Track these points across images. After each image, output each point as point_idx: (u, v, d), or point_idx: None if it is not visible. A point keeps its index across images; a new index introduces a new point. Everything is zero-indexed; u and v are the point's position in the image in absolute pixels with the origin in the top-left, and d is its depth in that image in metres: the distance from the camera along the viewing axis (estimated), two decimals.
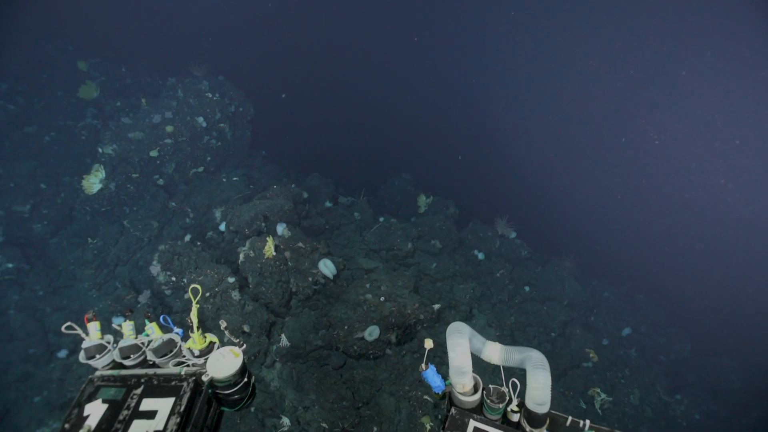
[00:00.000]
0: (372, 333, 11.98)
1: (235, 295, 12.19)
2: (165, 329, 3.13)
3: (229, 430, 10.53)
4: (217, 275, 12.43)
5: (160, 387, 2.62)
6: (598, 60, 42.55)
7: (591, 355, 15.80)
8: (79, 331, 2.91)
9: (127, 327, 3.02)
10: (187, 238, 15.18)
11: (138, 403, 2.50)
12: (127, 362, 2.89)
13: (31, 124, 18.09)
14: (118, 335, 3.09)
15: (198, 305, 3.09)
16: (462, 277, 16.83)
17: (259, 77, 31.83)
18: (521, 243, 19.67)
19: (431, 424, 11.18)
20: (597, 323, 17.98)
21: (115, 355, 2.91)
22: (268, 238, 12.93)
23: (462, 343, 2.86)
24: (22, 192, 16.02)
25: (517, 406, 2.83)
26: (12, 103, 18.16)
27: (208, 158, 19.16)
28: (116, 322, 11.22)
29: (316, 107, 36.55)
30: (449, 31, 50.05)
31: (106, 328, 3.09)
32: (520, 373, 2.89)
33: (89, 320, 2.93)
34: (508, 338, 15.49)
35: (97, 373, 2.77)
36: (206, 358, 2.87)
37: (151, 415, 2.43)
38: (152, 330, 3.03)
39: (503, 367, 3.02)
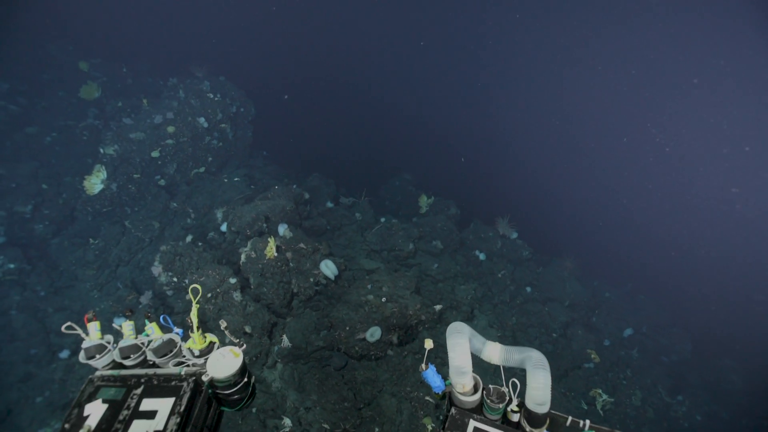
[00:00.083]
0: (373, 334, 11.97)
1: (237, 295, 12.19)
2: (165, 329, 3.13)
3: (231, 430, 10.52)
4: (218, 276, 12.42)
5: (160, 387, 2.62)
6: (605, 63, 42.54)
7: (592, 355, 15.79)
8: (79, 331, 2.91)
9: (127, 327, 3.02)
10: (189, 238, 15.19)
11: (138, 403, 2.50)
12: (127, 362, 2.89)
13: (33, 125, 18.09)
14: (118, 335, 3.09)
15: (198, 305, 3.09)
16: (463, 278, 16.83)
17: (261, 77, 31.87)
18: (523, 243, 19.65)
19: (433, 425, 11.17)
20: (598, 324, 17.97)
21: (115, 355, 2.90)
22: (269, 239, 12.92)
23: (462, 343, 2.86)
24: (23, 192, 16.02)
25: (517, 406, 2.83)
26: (13, 103, 18.16)
27: (210, 159, 19.17)
28: (117, 322, 11.27)
29: (317, 107, 36.58)
30: (450, 31, 50.08)
31: (106, 328, 3.09)
32: (520, 374, 2.88)
33: (89, 320, 2.93)
34: (509, 339, 15.48)
35: (97, 373, 2.76)
36: (206, 358, 2.87)
37: (151, 415, 2.43)
38: (152, 330, 3.03)
39: (503, 367, 3.01)
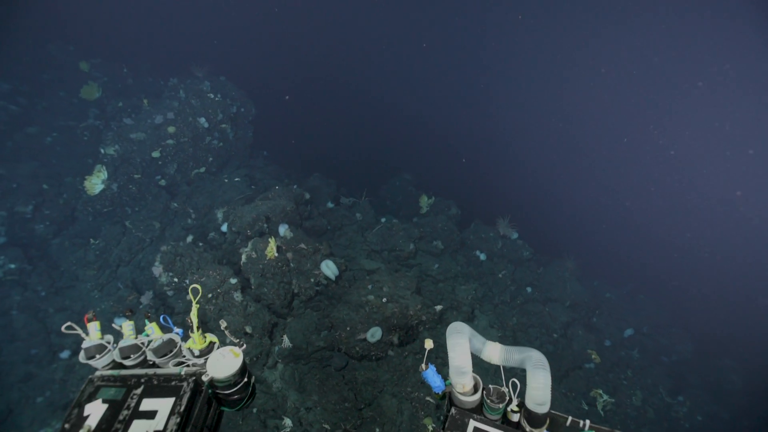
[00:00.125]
0: (374, 334, 11.97)
1: (237, 296, 12.19)
2: (165, 329, 3.12)
3: (232, 430, 10.52)
4: (219, 276, 12.42)
5: (160, 387, 2.61)
6: (606, 64, 42.51)
7: (593, 356, 15.78)
8: (79, 331, 2.91)
9: (127, 327, 3.02)
10: (189, 238, 15.19)
11: (138, 403, 2.49)
12: (127, 362, 2.88)
13: (33, 125, 18.09)
14: (118, 335, 3.09)
15: (198, 305, 3.09)
16: (464, 278, 16.82)
17: (261, 77, 31.92)
18: (523, 244, 19.64)
19: (433, 425, 11.17)
20: (599, 324, 17.96)
21: (115, 355, 2.90)
22: (270, 239, 12.92)
23: (462, 343, 2.86)
24: (24, 193, 16.03)
25: (517, 406, 2.82)
26: (14, 103, 18.17)
27: (210, 159, 19.17)
28: (118, 323, 11.27)
29: (318, 107, 36.58)
30: (451, 32, 50.05)
31: (106, 329, 3.09)
32: (521, 374, 2.88)
33: (89, 320, 2.93)
34: (510, 339, 15.47)
35: (97, 373, 2.76)
36: (206, 358, 2.87)
37: (151, 415, 2.43)
38: (152, 330, 3.03)
39: (503, 367, 3.01)
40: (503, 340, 14.37)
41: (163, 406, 2.48)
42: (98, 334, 2.94)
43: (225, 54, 32.17)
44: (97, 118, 19.47)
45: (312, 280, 13.25)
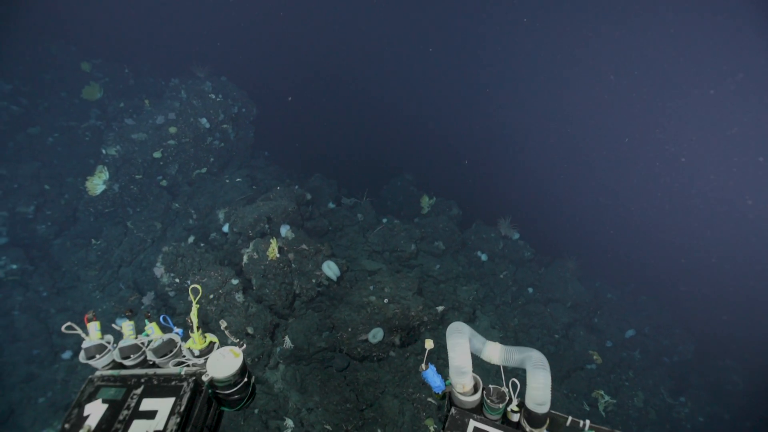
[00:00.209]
0: (376, 335, 11.96)
1: (239, 296, 12.19)
2: (165, 329, 3.13)
3: (233, 431, 10.52)
4: (220, 277, 12.42)
5: (160, 387, 2.61)
6: (608, 65, 42.48)
7: (595, 357, 15.77)
8: (79, 331, 2.91)
9: (127, 327, 3.02)
10: (191, 239, 15.20)
11: (138, 403, 2.49)
12: (127, 362, 2.89)
13: (35, 125, 18.12)
14: (118, 335, 3.09)
15: (198, 305, 3.09)
16: (465, 279, 16.81)
17: (262, 78, 31.93)
18: (524, 244, 19.63)
19: (435, 426, 11.16)
20: (600, 325, 17.95)
21: (115, 355, 2.90)
22: (271, 240, 12.93)
23: (462, 343, 2.86)
24: (26, 193, 16.06)
25: (517, 406, 2.82)
26: (15, 104, 18.19)
27: (211, 159, 19.18)
28: (119, 323, 11.29)
29: (319, 108, 36.60)
30: (452, 32, 50.05)
31: (106, 329, 3.09)
32: (521, 374, 2.88)
33: (89, 320, 2.94)
34: (511, 340, 15.45)
35: (97, 373, 2.76)
36: (206, 358, 2.87)
37: (151, 415, 2.43)
38: (152, 330, 3.03)
39: (503, 367, 3.01)
40: (504, 341, 14.36)
41: (163, 406, 2.48)
42: (98, 334, 2.94)
43: (226, 54, 32.19)
44: (99, 119, 19.50)
45: (313, 280, 13.25)
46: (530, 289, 17.99)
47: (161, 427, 2.36)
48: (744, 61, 35.35)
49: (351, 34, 46.03)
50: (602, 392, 14.77)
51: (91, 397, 2.53)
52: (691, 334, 18.75)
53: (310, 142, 30.84)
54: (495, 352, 2.93)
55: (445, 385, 3.00)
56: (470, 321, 15.09)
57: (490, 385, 2.90)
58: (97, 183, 16.13)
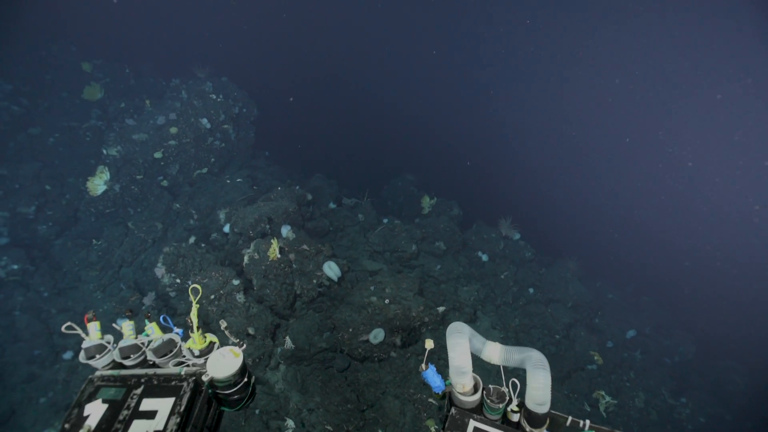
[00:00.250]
0: (377, 336, 11.96)
1: (240, 297, 12.19)
2: (165, 329, 3.13)
3: None
4: (221, 277, 12.42)
5: (160, 387, 2.62)
6: (610, 66, 42.44)
7: (595, 357, 15.75)
8: (79, 331, 2.91)
9: (127, 327, 3.03)
10: (192, 239, 15.21)
11: (138, 403, 2.50)
12: (127, 362, 2.89)
13: (36, 126, 18.14)
14: (118, 335, 3.09)
15: (198, 305, 3.09)
16: (466, 279, 16.80)
17: (263, 78, 31.94)
18: (525, 244, 19.62)
19: (436, 427, 11.16)
20: (601, 325, 17.92)
21: (115, 355, 2.91)
22: (272, 241, 12.92)
23: (462, 343, 2.86)
24: (27, 193, 16.07)
25: (517, 406, 2.83)
26: (16, 104, 18.21)
27: (212, 159, 19.18)
28: (120, 324, 11.30)
29: (320, 108, 36.58)
30: (454, 32, 50.05)
31: (106, 329, 3.09)
32: (522, 374, 2.88)
33: (89, 320, 2.94)
34: (512, 340, 15.45)
35: (97, 373, 2.77)
36: (206, 358, 2.87)
37: (151, 415, 2.43)
38: (152, 330, 3.04)
39: (503, 366, 3.01)
40: (505, 342, 14.34)
41: (163, 406, 2.49)
42: (98, 334, 2.94)
43: (227, 54, 32.21)
44: (100, 119, 19.52)
45: (314, 281, 13.24)
46: (531, 290, 17.97)
47: (161, 427, 2.36)
48: (751, 64, 35.30)
49: (352, 35, 46.05)
50: (603, 393, 14.76)
51: (91, 397, 2.53)
52: (692, 335, 18.72)
53: (311, 142, 30.83)
54: (495, 352, 2.93)
55: (445, 385, 3.00)
56: (471, 321, 15.08)
57: (490, 385, 2.90)
58: (98, 183, 16.14)
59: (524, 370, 2.79)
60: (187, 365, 2.89)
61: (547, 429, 2.80)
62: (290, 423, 10.75)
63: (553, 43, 44.78)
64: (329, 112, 36.72)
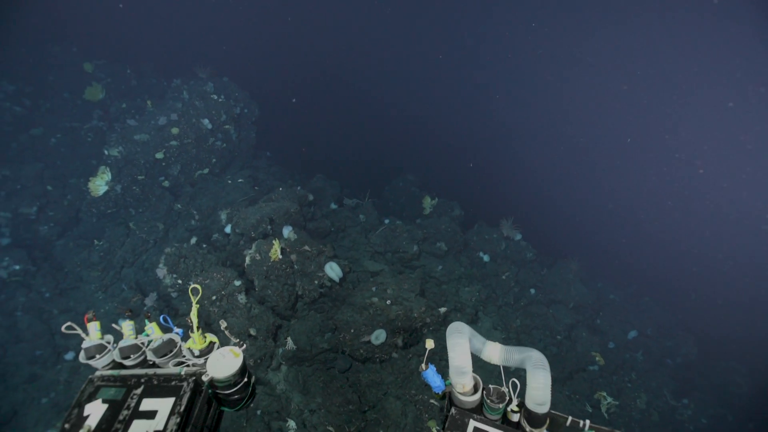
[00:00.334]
0: (378, 337, 11.95)
1: (242, 298, 12.20)
2: (165, 329, 3.13)
3: None
4: (223, 278, 12.42)
5: (160, 387, 2.62)
6: (612, 66, 42.42)
7: (597, 358, 15.74)
8: (80, 331, 2.92)
9: (127, 327, 3.03)
10: (193, 240, 15.22)
11: (138, 403, 2.49)
12: (127, 362, 2.89)
13: (38, 126, 18.18)
14: (118, 335, 3.09)
15: (198, 305, 3.09)
16: (467, 280, 16.80)
17: (264, 78, 31.92)
18: (527, 245, 19.61)
19: (437, 428, 11.13)
20: (603, 326, 17.90)
21: (115, 355, 2.91)
22: (274, 241, 12.92)
23: (462, 343, 2.86)
24: (28, 194, 16.10)
25: (517, 406, 2.82)
26: (18, 105, 18.26)
27: (214, 160, 19.18)
28: (120, 323, 11.29)
29: (321, 108, 36.58)
30: (455, 32, 50.05)
31: (107, 329, 3.10)
32: (523, 375, 2.88)
33: (89, 320, 2.94)
34: (513, 341, 15.42)
35: (97, 373, 2.77)
36: (206, 358, 2.87)
37: (151, 415, 2.43)
38: (152, 330, 3.04)
39: (503, 366, 3.01)
40: (507, 342, 14.32)
41: (163, 406, 2.49)
42: (98, 334, 2.94)
43: (228, 55, 32.24)
44: (101, 120, 19.57)
45: (316, 282, 13.24)
46: (532, 290, 17.97)
47: (161, 427, 2.36)
48: (761, 69, 35.26)
49: (353, 35, 46.05)
50: (605, 394, 14.74)
51: (91, 397, 2.53)
52: (693, 336, 18.68)
53: (312, 142, 30.82)
54: (495, 352, 2.93)
55: (445, 385, 3.00)
56: (472, 322, 15.07)
57: (490, 385, 2.90)
58: (100, 184, 16.16)
59: (525, 371, 2.79)
60: (187, 365, 2.89)
61: (547, 429, 2.80)
62: (292, 424, 10.76)
63: (557, 43, 44.77)
64: (331, 112, 36.71)
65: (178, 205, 17.37)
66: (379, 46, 46.74)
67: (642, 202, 33.76)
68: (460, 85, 46.03)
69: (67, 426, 2.38)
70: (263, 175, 20.03)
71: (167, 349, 2.93)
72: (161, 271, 13.53)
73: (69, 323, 2.94)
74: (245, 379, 2.94)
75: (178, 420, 2.41)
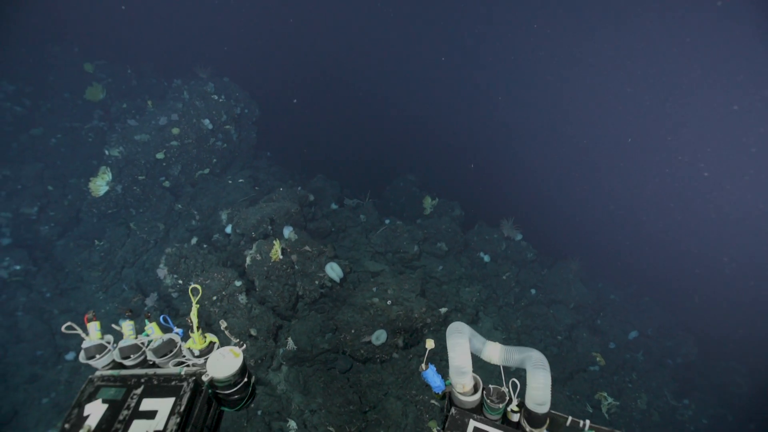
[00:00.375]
0: (379, 337, 11.95)
1: (242, 298, 12.20)
2: (165, 329, 3.13)
3: None
4: (224, 279, 12.42)
5: (160, 387, 2.62)
6: (613, 66, 42.37)
7: (598, 358, 15.74)
8: (79, 331, 2.92)
9: (127, 327, 3.03)
10: (194, 240, 15.22)
11: (138, 403, 2.50)
12: (127, 362, 2.89)
13: (38, 126, 18.18)
14: (118, 335, 3.09)
15: (198, 305, 3.09)
16: (468, 280, 16.79)
17: (265, 78, 31.92)
18: (527, 245, 19.60)
19: (438, 428, 11.12)
20: (603, 326, 17.89)
21: (115, 355, 2.91)
22: (274, 242, 12.92)
23: (462, 343, 2.86)
24: (29, 194, 16.10)
25: (517, 406, 2.82)
26: (19, 105, 18.26)
27: (214, 160, 19.19)
28: (120, 323, 11.28)
29: (321, 108, 36.58)
30: (456, 32, 50.02)
31: (107, 329, 3.10)
32: (523, 375, 2.88)
33: (89, 320, 2.94)
34: (514, 341, 15.42)
35: (97, 373, 2.77)
36: (206, 358, 2.87)
37: (151, 415, 2.43)
38: (152, 330, 3.04)
39: (503, 366, 3.01)
40: (507, 343, 14.32)
41: (163, 406, 2.49)
42: (98, 334, 2.95)
43: (229, 55, 32.28)
44: (102, 120, 19.56)
45: (316, 282, 13.24)
46: (533, 291, 17.96)
47: (161, 427, 2.36)
48: (764, 71, 35.19)
49: (354, 36, 46.04)
50: (605, 394, 14.73)
51: (91, 397, 2.53)
52: (694, 336, 18.66)
53: (313, 142, 30.83)
54: (495, 352, 2.93)
55: (445, 385, 3.00)
56: (473, 322, 15.06)
57: (490, 385, 2.90)
58: (100, 184, 16.16)
59: (525, 371, 2.79)
60: (187, 365, 2.89)
61: (547, 429, 2.80)
62: (292, 424, 10.75)
63: (558, 44, 44.73)
64: (331, 112, 36.71)
65: (179, 206, 17.37)
66: (380, 46, 46.72)
67: (642, 203, 33.72)
68: (460, 86, 46.01)
69: (67, 426, 2.38)
70: (264, 176, 20.03)
71: (167, 349, 2.93)
72: (162, 272, 13.53)
73: (69, 323, 2.94)
74: (245, 379, 2.94)
75: (178, 420, 2.41)
